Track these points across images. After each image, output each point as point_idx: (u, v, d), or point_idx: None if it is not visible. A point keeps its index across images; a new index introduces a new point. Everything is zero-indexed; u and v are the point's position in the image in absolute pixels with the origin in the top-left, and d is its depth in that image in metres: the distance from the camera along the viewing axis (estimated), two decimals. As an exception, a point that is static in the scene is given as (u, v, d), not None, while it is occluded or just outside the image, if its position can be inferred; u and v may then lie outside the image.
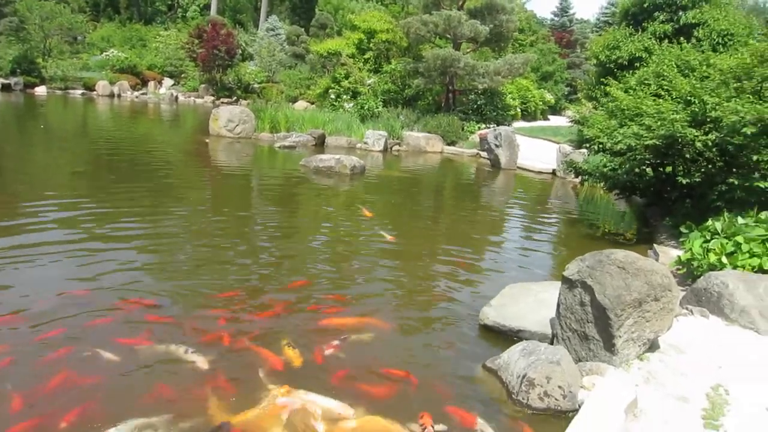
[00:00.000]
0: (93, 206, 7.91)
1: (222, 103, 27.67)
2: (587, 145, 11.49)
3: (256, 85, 30.86)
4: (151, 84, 31.07)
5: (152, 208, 8.12)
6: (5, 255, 5.57)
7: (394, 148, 17.35)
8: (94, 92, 28.08)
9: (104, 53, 32.51)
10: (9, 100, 22.46)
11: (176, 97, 29.96)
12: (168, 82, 32.02)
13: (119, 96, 28.54)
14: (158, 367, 3.85)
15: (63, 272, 5.36)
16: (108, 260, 5.75)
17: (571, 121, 18.31)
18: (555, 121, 28.01)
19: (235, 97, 29.96)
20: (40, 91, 26.76)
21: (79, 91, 27.75)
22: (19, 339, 4.05)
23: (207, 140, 15.48)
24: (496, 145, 15.40)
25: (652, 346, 4.17)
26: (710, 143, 6.99)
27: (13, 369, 3.69)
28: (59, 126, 17.51)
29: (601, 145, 8.88)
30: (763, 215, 6.13)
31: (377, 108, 19.71)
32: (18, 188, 8.61)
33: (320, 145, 16.45)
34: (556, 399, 3.61)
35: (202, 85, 30.58)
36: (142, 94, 29.90)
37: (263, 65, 31.97)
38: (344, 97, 20.95)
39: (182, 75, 32.38)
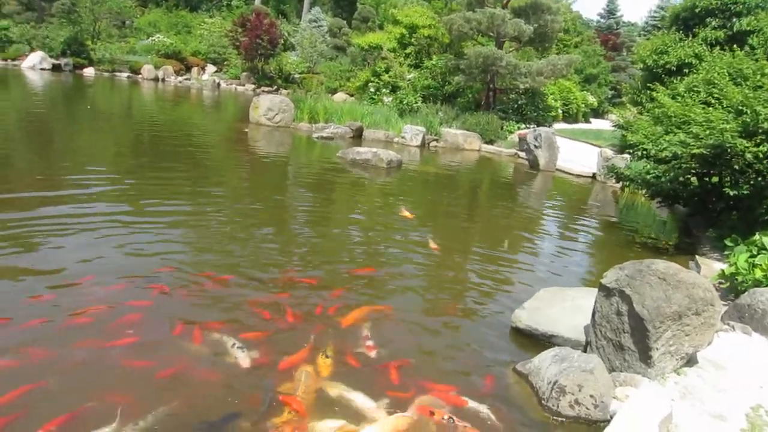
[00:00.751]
0: (133, 186, 8.10)
1: (263, 91, 27.96)
2: (630, 150, 11.23)
3: (296, 75, 31.07)
4: (195, 70, 31.55)
5: (190, 192, 8.26)
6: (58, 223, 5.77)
7: (431, 144, 17.25)
8: (140, 75, 28.69)
9: (150, 38, 33.13)
10: (59, 80, 23.13)
11: (218, 84, 30.38)
12: (211, 68, 32.47)
13: (163, 80, 29.10)
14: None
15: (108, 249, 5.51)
16: (141, 239, 5.89)
17: (615, 125, 17.90)
18: (597, 124, 27.44)
19: (275, 86, 30.22)
20: (88, 72, 27.47)
21: (125, 74, 28.39)
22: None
23: (246, 128, 15.65)
24: (536, 146, 15.17)
25: (690, 361, 4.06)
26: (761, 155, 6.75)
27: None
28: (105, 107, 17.94)
29: (645, 152, 8.66)
30: (813, 232, 5.91)
31: (416, 103, 19.62)
32: (63, 164, 8.87)
33: (358, 137, 16.47)
34: (587, 408, 3.54)
35: (244, 73, 30.92)
36: (186, 79, 30.40)
37: (305, 56, 32.15)
38: (384, 90, 20.92)
39: (225, 62, 32.79)
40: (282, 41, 32.21)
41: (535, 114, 20.26)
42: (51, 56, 26.63)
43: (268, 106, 16.61)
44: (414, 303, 5.28)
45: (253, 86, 30.19)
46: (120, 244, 5.67)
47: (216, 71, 32.33)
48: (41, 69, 25.60)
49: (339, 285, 5.41)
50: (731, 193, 7.23)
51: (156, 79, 28.77)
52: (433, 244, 6.93)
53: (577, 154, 16.42)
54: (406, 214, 8.29)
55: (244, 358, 3.81)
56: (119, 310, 4.30)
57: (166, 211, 7.05)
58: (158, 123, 15.26)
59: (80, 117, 14.48)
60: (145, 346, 3.90)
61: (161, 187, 8.23)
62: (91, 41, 29.35)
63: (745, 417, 3.48)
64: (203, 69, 32.22)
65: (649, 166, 9.29)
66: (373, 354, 4.12)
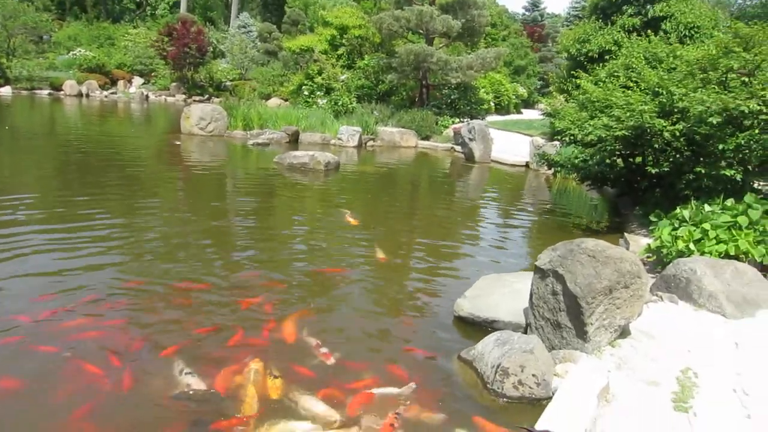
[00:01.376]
0: (62, 208, 7.74)
1: (194, 101, 27.37)
2: (559, 137, 11.62)
3: (228, 83, 30.58)
4: (121, 83, 30.55)
5: (123, 209, 7.97)
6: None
7: (368, 144, 17.32)
8: (62, 92, 27.51)
9: (71, 52, 31.85)
10: (-28, 101, 21.89)
11: (147, 96, 29.50)
12: (138, 80, 31.51)
13: (88, 96, 27.99)
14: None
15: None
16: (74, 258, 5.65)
17: (543, 114, 18.52)
18: (528, 114, 28.26)
19: (207, 95, 29.65)
20: (5, 91, 26.12)
21: (46, 92, 27.15)
22: None
23: (178, 139, 15.23)
24: (470, 139, 15.48)
25: (623, 333, 4.24)
26: (678, 133, 7.11)
27: None
28: (26, 127, 17.10)
29: (572, 137, 8.98)
30: (728, 202, 6.28)
31: (351, 104, 19.66)
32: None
33: (294, 141, 16.36)
34: (530, 387, 3.64)
35: (173, 84, 30.18)
36: (112, 93, 29.37)
37: (235, 63, 31.69)
38: (318, 93, 20.85)
39: (152, 73, 31.90)
40: (211, 49, 31.66)
41: (468, 108, 20.68)
42: (-38, 76, 25.25)
43: (200, 116, 16.25)
44: (354, 300, 5.29)
45: (183, 96, 29.51)
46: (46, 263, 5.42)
47: (144, 83, 31.41)
48: (-49, 90, 24.20)
49: (277, 294, 5.35)
50: (653, 172, 7.59)
51: (80, 95, 27.64)
52: (380, 254, 6.57)
53: (510, 145, 16.85)
54: (350, 220, 8.06)
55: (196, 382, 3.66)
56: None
57: (99, 228, 6.77)
58: (85, 139, 14.66)
59: (-2, 138, 13.75)
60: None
61: (92, 204, 7.91)
62: (6, 59, 27.92)
63: (675, 380, 3.67)
64: (130, 81, 31.23)
65: (576, 151, 9.65)
66: (331, 360, 4.03)
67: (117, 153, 13.05)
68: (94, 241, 6.30)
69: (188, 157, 13.53)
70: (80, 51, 31.53)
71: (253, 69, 30.25)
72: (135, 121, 21.45)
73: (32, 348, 3.94)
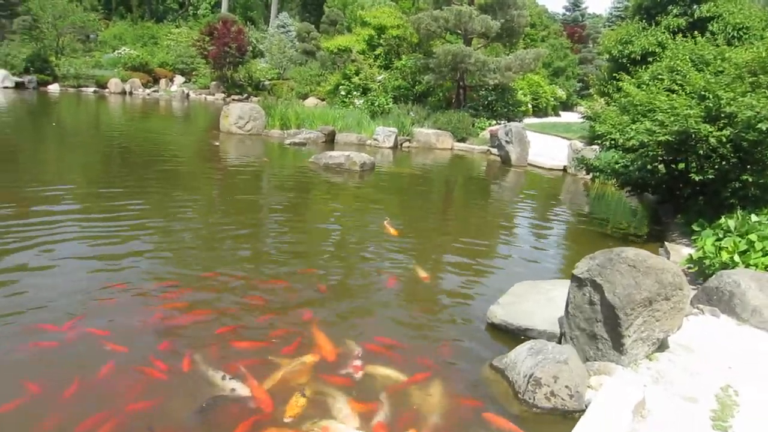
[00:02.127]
0: (105, 201, 7.96)
1: (233, 100, 27.80)
2: (599, 141, 11.37)
3: (266, 82, 30.96)
4: (163, 81, 31.21)
5: (162, 204, 8.15)
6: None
7: (404, 145, 17.30)
8: (106, 90, 28.26)
9: (116, 51, 32.68)
10: (23, 98, 22.66)
11: (187, 95, 30.09)
12: (179, 79, 32.17)
13: (131, 93, 28.71)
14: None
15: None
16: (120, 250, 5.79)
17: (583, 117, 18.17)
18: (566, 117, 27.81)
19: (245, 94, 30.07)
20: (53, 88, 26.97)
21: (92, 89, 27.93)
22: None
23: (216, 140, 15.46)
24: (507, 142, 15.31)
25: (662, 346, 4.12)
26: (724, 139, 6.88)
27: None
28: (72, 123, 17.64)
29: (612, 142, 8.78)
30: (776, 213, 6.05)
31: (387, 104, 19.67)
32: (29, 182, 8.70)
33: (330, 141, 16.45)
34: (563, 399, 3.57)
35: (213, 83, 30.70)
36: (154, 91, 30.04)
37: (274, 62, 32.06)
38: (354, 93, 20.93)
39: (193, 72, 32.53)
40: (250, 48, 32.09)
41: (506, 110, 20.45)
42: (13, 74, 26.09)
43: (239, 115, 16.50)
44: (388, 304, 5.28)
45: (222, 95, 30.00)
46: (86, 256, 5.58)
47: (184, 82, 32.04)
48: (4, 87, 25.05)
49: (315, 300, 5.38)
50: (697, 179, 7.36)
51: (123, 93, 28.37)
52: (421, 272, 6.11)
53: (547, 148, 16.60)
54: (390, 229, 7.53)
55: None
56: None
57: (140, 224, 6.93)
58: (127, 136, 15.06)
59: (46, 134, 14.22)
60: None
61: (134, 199, 8.13)
62: (55, 57, 28.84)
63: (714, 397, 3.55)
64: (171, 80, 31.89)
65: (617, 156, 9.44)
66: (359, 375, 3.93)
67: (158, 150, 13.35)
68: (133, 229, 6.49)
69: (226, 155, 13.76)
70: (125, 50, 32.35)
71: (292, 69, 30.56)
72: (176, 119, 21.93)
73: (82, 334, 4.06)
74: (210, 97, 30.06)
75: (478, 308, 5.23)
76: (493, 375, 4.02)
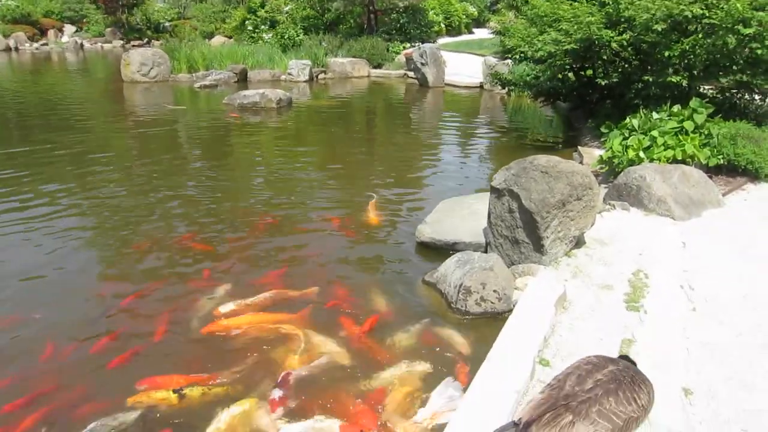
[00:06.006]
0: (7, 171, 7.41)
1: (132, 46, 26.01)
2: (509, 55, 11.55)
3: (167, 24, 29.15)
4: (51, 33, 28.75)
5: (74, 168, 7.67)
6: None
7: (320, 77, 16.93)
8: (-13, 47, 25.81)
9: (-8, 2, 29.65)
10: None
11: (81, 45, 27.94)
12: (70, 29, 29.72)
13: (17, 49, 26.34)
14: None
15: None
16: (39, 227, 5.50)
17: (493, 33, 18.28)
18: (480, 34, 27.79)
19: (146, 39, 28.23)
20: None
21: (-31, 47, 25.45)
22: None
23: (120, 90, 14.55)
24: (423, 64, 15.27)
25: (579, 243, 4.41)
26: (625, 43, 7.14)
27: None
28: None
29: (522, 54, 8.96)
30: (675, 109, 6.42)
31: (298, 36, 19.04)
32: None
33: (243, 80, 15.88)
34: (492, 303, 3.80)
35: (108, 29, 28.59)
36: (43, 44, 27.68)
37: (171, 1, 30.03)
38: (262, 27, 20.10)
39: (84, 20, 30.04)
40: (144, -13, 29.86)
41: (419, 31, 20.25)
42: None
43: (141, 61, 15.53)
44: (319, 233, 5.37)
45: (120, 42, 28.10)
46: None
47: (76, 31, 29.68)
48: None
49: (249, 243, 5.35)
50: (603, 83, 7.67)
51: (8, 49, 25.98)
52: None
53: (463, 66, 16.69)
54: (372, 215, 5.79)
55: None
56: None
57: (53, 190, 6.53)
58: (20, 96, 13.91)
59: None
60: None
61: (40, 163, 7.59)
62: None
63: (628, 282, 3.87)
64: (61, 30, 29.43)
65: (528, 69, 9.64)
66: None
67: (57, 108, 12.43)
68: (47, 205, 6.12)
69: (133, 105, 13.00)
70: (1, 1, 29.37)
71: (192, 6, 28.83)
72: (72, 73, 20.36)
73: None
74: (107, 45, 28.07)
75: (407, 229, 5.38)
76: (426, 290, 4.20)
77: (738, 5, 5.96)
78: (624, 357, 2.35)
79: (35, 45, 27.30)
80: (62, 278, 4.42)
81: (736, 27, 6.05)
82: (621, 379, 2.13)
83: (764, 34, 6.08)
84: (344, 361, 3.38)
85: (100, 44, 28.27)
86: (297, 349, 3.48)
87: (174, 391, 3.09)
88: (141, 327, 3.76)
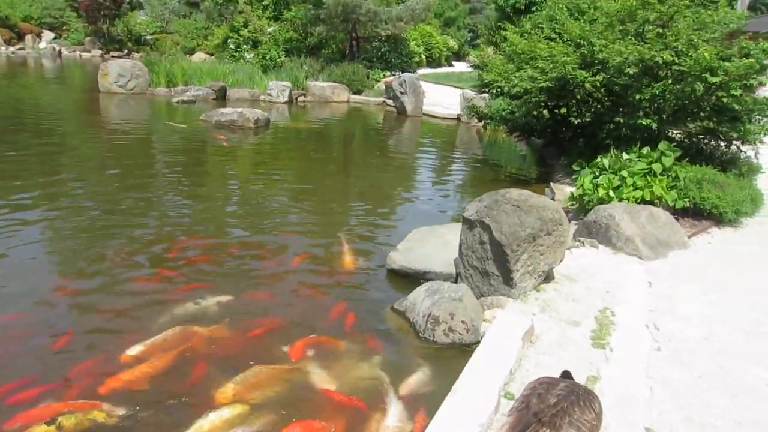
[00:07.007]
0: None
1: (112, 57, 25.79)
2: (487, 89, 11.77)
3: (148, 37, 29.02)
4: (29, 38, 28.36)
5: (45, 177, 7.46)
6: None
7: (299, 99, 16.98)
8: (-39, 49, 25.35)
9: (-32, 4, 29.18)
10: None
11: (59, 52, 27.59)
12: (48, 35, 29.38)
13: (-8, 52, 25.91)
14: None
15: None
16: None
17: (472, 66, 18.64)
18: (459, 66, 28.37)
19: (126, 50, 28.05)
20: None
21: (-58, 48, 24.94)
22: None
23: (96, 101, 14.35)
24: (402, 92, 15.45)
25: (548, 278, 4.45)
26: (598, 84, 7.34)
27: None
28: None
29: (499, 89, 9.13)
30: (644, 150, 6.59)
31: (279, 58, 19.13)
32: None
33: (221, 98, 15.82)
34: (460, 333, 3.79)
35: (88, 38, 28.35)
36: (19, 49, 27.30)
37: (155, 14, 30.02)
38: (244, 47, 20.15)
39: (64, 27, 29.75)
40: (127, -1, 29.78)
41: (399, 61, 20.53)
42: None
43: (119, 72, 15.39)
44: (291, 258, 5.30)
45: (100, 52, 27.82)
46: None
47: (55, 38, 29.32)
48: None
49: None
50: (576, 122, 7.84)
51: (-18, 52, 25.55)
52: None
53: (441, 97, 16.94)
54: (348, 259, 5.35)
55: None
56: None
57: (21, 203, 6.37)
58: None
59: None
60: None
61: (8, 173, 7.38)
62: None
63: (594, 319, 3.91)
64: (39, 36, 29.05)
65: (504, 104, 9.83)
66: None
67: (30, 116, 12.20)
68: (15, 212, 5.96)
69: (109, 117, 12.83)
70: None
71: (175, 21, 28.75)
72: (48, 80, 20.06)
73: None
74: (86, 54, 27.77)
75: (378, 256, 5.37)
76: (395, 317, 4.18)
77: (706, 54, 6.20)
78: (565, 374, 2.59)
79: (11, 49, 26.90)
80: None
81: (703, 75, 6.27)
82: (576, 391, 2.38)
83: (730, 83, 6.32)
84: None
85: (78, 52, 27.98)
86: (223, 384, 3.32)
87: (47, 423, 2.88)
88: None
